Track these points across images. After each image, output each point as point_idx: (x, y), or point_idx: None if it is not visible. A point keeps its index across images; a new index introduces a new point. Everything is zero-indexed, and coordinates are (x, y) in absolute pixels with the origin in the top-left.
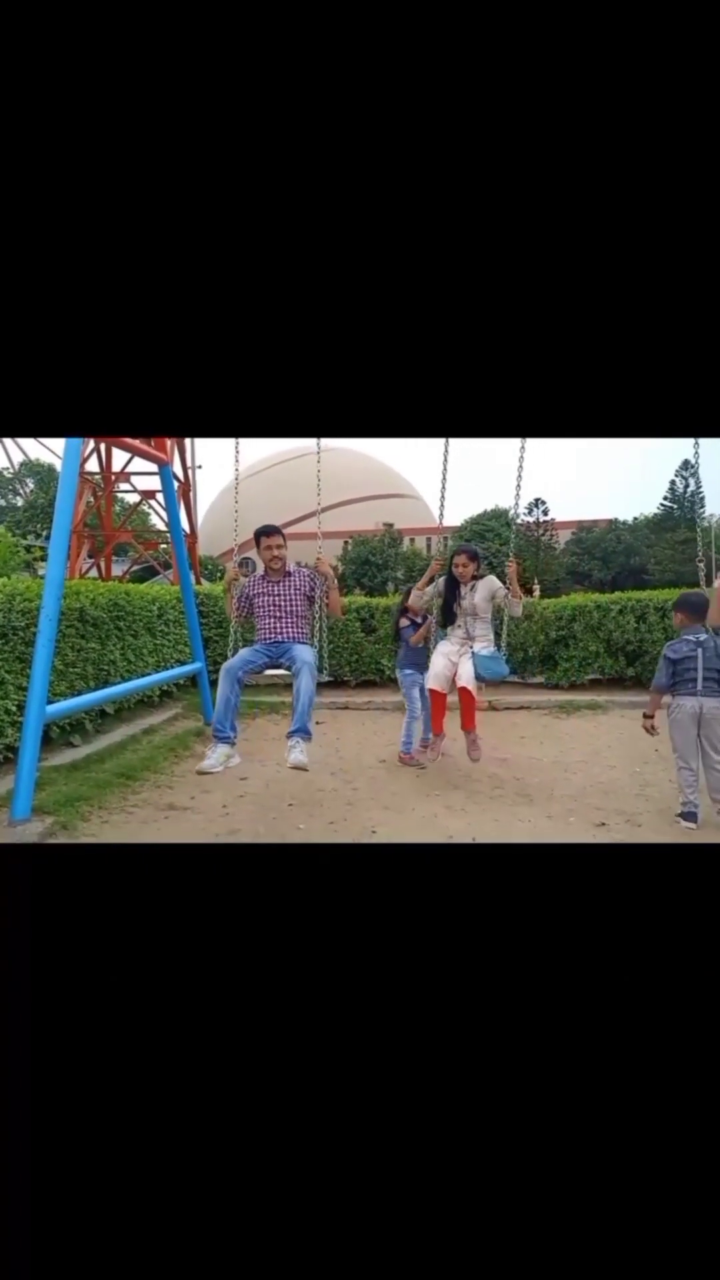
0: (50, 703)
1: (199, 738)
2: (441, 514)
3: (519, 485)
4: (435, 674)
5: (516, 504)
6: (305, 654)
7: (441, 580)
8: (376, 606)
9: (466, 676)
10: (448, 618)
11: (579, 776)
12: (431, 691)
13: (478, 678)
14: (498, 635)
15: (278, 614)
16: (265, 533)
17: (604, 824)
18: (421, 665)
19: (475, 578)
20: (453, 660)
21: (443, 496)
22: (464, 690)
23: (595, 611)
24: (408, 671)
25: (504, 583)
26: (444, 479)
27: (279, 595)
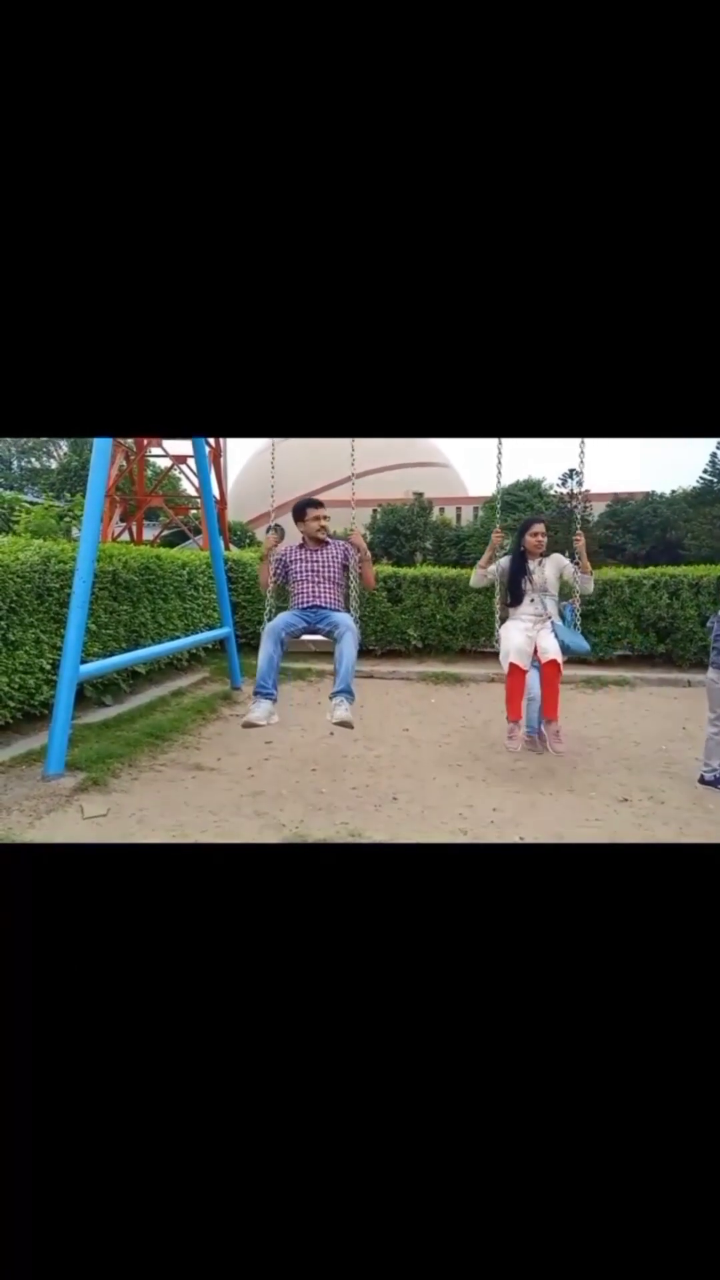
0: (84, 662)
1: (225, 701)
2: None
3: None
4: (516, 648)
5: (580, 470)
6: (347, 619)
7: (504, 559)
8: (404, 576)
9: (551, 649)
10: (515, 596)
11: (603, 752)
12: (512, 667)
13: (564, 650)
14: (573, 613)
15: (315, 579)
16: (311, 505)
17: (626, 799)
18: None
19: (543, 553)
20: (530, 636)
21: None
22: (550, 665)
23: (626, 586)
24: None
25: (571, 559)
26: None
27: (317, 562)
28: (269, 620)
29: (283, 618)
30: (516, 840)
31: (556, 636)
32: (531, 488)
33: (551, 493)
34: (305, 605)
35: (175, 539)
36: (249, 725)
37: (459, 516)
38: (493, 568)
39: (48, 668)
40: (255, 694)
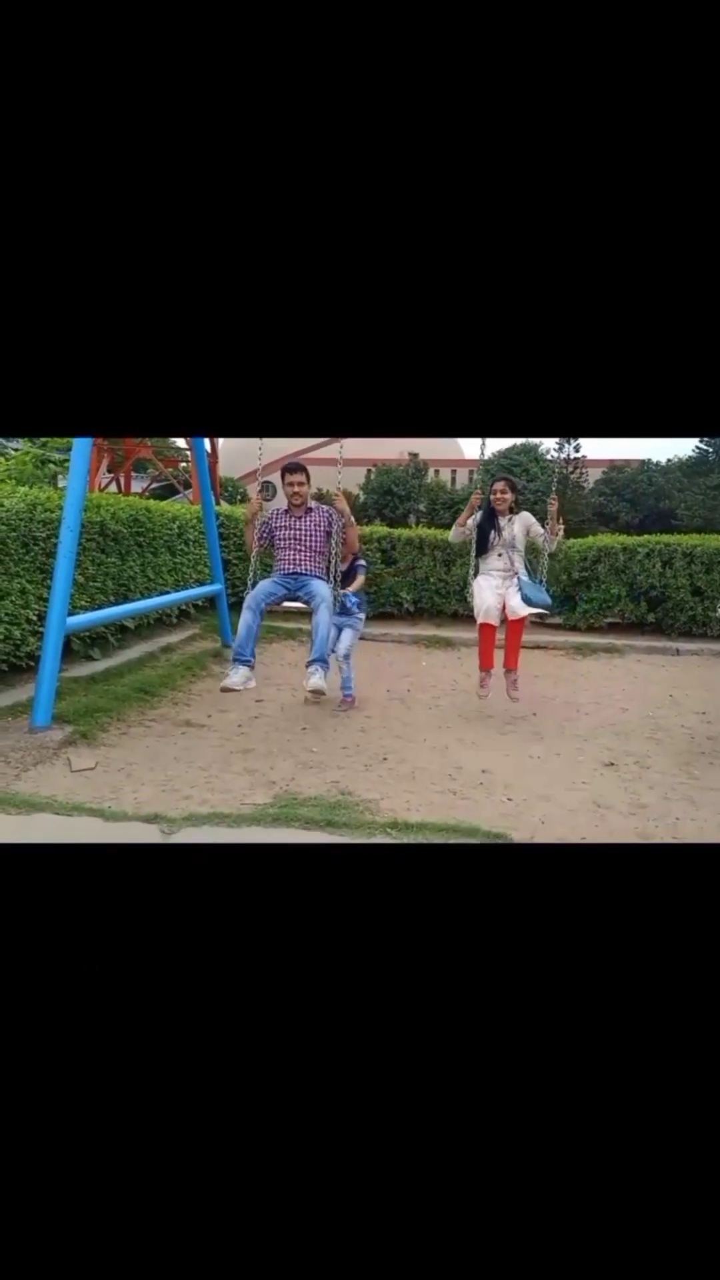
0: (71, 614)
1: (216, 659)
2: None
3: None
4: (487, 608)
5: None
6: (323, 590)
7: (478, 514)
8: (398, 538)
9: (518, 608)
10: (482, 545)
11: (591, 717)
12: (483, 626)
13: (525, 601)
14: (533, 569)
15: (298, 547)
16: (290, 469)
17: (613, 763)
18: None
19: (512, 510)
20: (500, 593)
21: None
22: (516, 623)
23: (620, 554)
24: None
25: (542, 521)
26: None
27: (300, 530)
28: (251, 586)
29: (263, 587)
30: (504, 800)
31: (521, 593)
32: (528, 452)
33: (549, 458)
34: (286, 571)
35: (164, 492)
36: (226, 690)
37: (454, 479)
38: (471, 522)
39: (34, 619)
40: (233, 660)
